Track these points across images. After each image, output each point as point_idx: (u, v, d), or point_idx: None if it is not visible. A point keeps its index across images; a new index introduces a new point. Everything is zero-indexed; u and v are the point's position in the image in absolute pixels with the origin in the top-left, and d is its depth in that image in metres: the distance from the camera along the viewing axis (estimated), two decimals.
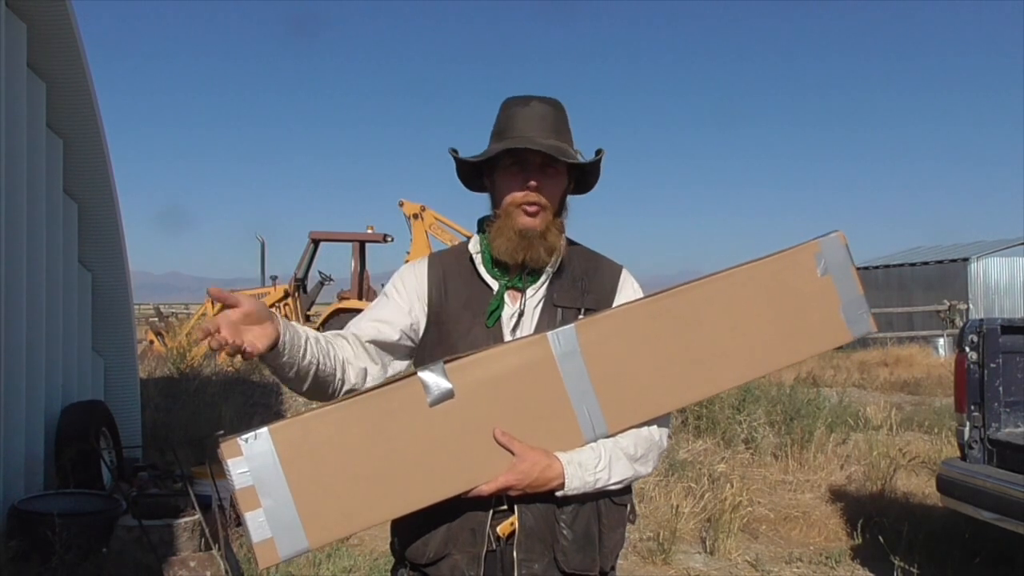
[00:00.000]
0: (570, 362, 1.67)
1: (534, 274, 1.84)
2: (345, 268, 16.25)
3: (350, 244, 16.19)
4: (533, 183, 1.78)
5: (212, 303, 15.83)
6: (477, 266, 1.86)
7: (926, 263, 24.00)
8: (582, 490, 1.69)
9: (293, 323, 1.70)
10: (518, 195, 1.79)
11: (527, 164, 1.79)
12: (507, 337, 1.80)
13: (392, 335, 1.85)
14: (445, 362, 1.64)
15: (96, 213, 6.46)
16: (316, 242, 16.23)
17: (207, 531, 4.45)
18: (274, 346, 1.61)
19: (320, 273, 16.35)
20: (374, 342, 1.84)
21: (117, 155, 6.56)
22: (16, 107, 5.05)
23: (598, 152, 1.84)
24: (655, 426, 1.77)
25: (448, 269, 1.90)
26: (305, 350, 1.68)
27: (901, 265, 24.90)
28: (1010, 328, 4.63)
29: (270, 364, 1.65)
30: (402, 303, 1.88)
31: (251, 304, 1.58)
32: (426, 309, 1.87)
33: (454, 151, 1.88)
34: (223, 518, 4.53)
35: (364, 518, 1.61)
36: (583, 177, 1.91)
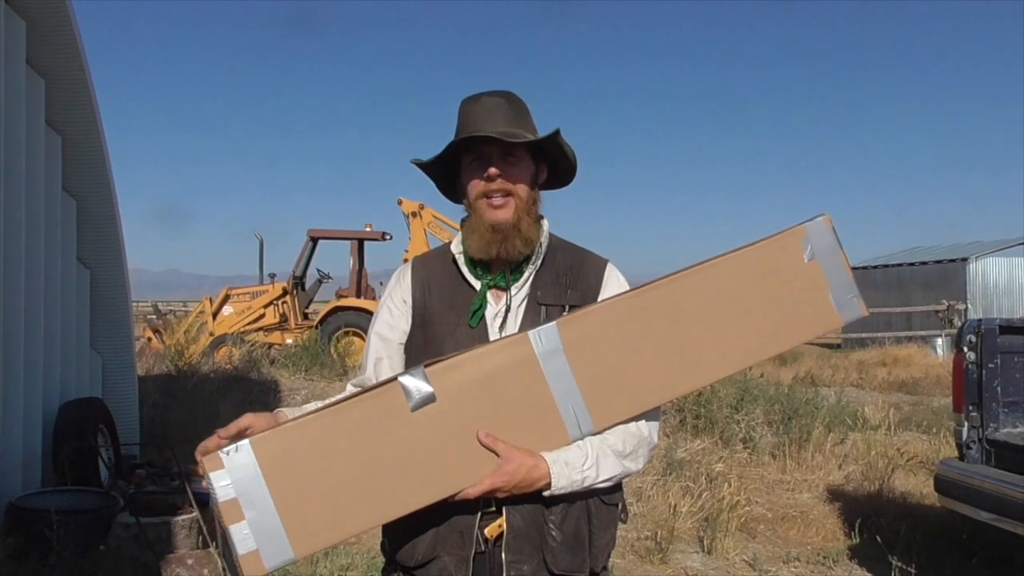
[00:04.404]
0: (553, 360, 1.65)
1: (517, 272, 1.83)
2: (344, 266, 16.26)
3: (349, 242, 16.18)
4: (493, 170, 1.77)
5: (210, 300, 15.83)
6: (460, 266, 1.85)
7: (925, 263, 24.02)
8: (570, 489, 1.68)
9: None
10: (480, 185, 1.79)
11: (485, 156, 1.78)
12: (492, 337, 1.79)
13: (399, 357, 1.88)
14: (426, 366, 1.62)
15: (95, 210, 6.46)
16: (315, 240, 16.22)
17: (205, 529, 4.46)
18: None
19: (318, 271, 16.34)
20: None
21: (116, 152, 6.55)
22: (15, 104, 5.05)
23: (558, 130, 1.80)
24: (644, 421, 1.75)
25: (431, 271, 1.89)
26: None
27: (900, 265, 24.92)
28: (1008, 328, 4.63)
29: None
30: (393, 321, 1.89)
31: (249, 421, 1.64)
32: (410, 313, 1.87)
33: (417, 161, 1.87)
34: (220, 516, 4.51)
35: (349, 526, 1.60)
36: (555, 165, 1.88)
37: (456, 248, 1.88)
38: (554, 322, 1.67)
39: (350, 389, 1.90)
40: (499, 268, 1.84)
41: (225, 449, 1.55)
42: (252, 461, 1.55)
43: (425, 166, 1.88)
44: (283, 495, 1.55)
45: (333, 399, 1.76)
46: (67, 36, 5.66)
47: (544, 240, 1.86)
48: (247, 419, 1.62)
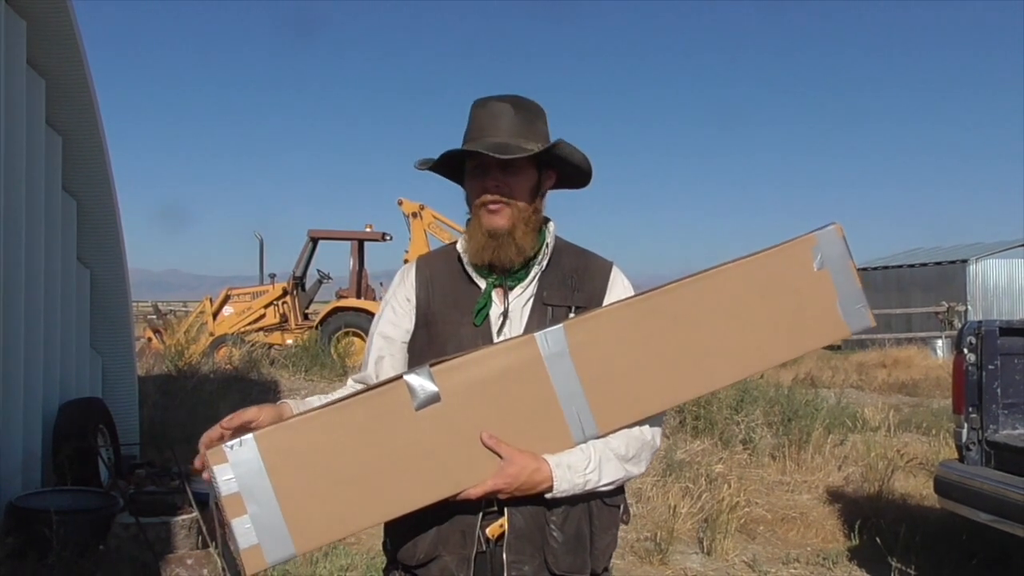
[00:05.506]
0: (559, 363, 1.65)
1: (522, 271, 1.83)
2: (344, 266, 16.28)
3: (349, 243, 16.20)
4: (490, 183, 1.78)
5: (210, 300, 15.83)
6: (465, 265, 1.85)
7: (925, 264, 24.05)
8: (571, 492, 1.68)
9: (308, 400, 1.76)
10: (478, 193, 1.80)
11: (484, 165, 1.79)
12: (495, 335, 1.79)
13: (401, 356, 1.89)
14: (431, 365, 1.62)
15: (95, 210, 6.45)
16: (315, 240, 16.23)
17: (204, 529, 4.46)
18: None
19: (319, 271, 16.36)
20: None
21: (116, 152, 6.55)
22: (15, 104, 5.04)
23: (555, 143, 1.79)
24: (647, 425, 1.75)
25: (436, 270, 1.90)
26: None
27: (900, 266, 24.94)
28: (1008, 330, 4.63)
29: None
30: (396, 319, 1.89)
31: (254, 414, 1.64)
32: (414, 312, 1.88)
33: (423, 163, 1.87)
34: (220, 516, 4.51)
35: (350, 523, 1.60)
36: (564, 171, 1.88)
37: (462, 247, 1.88)
38: (561, 324, 1.67)
39: (350, 384, 1.91)
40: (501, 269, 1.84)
41: (229, 443, 1.55)
42: (256, 456, 1.55)
43: (430, 169, 1.88)
44: (286, 490, 1.56)
45: (337, 395, 1.77)
46: (67, 36, 5.66)
47: (550, 241, 1.86)
48: (252, 412, 1.62)
